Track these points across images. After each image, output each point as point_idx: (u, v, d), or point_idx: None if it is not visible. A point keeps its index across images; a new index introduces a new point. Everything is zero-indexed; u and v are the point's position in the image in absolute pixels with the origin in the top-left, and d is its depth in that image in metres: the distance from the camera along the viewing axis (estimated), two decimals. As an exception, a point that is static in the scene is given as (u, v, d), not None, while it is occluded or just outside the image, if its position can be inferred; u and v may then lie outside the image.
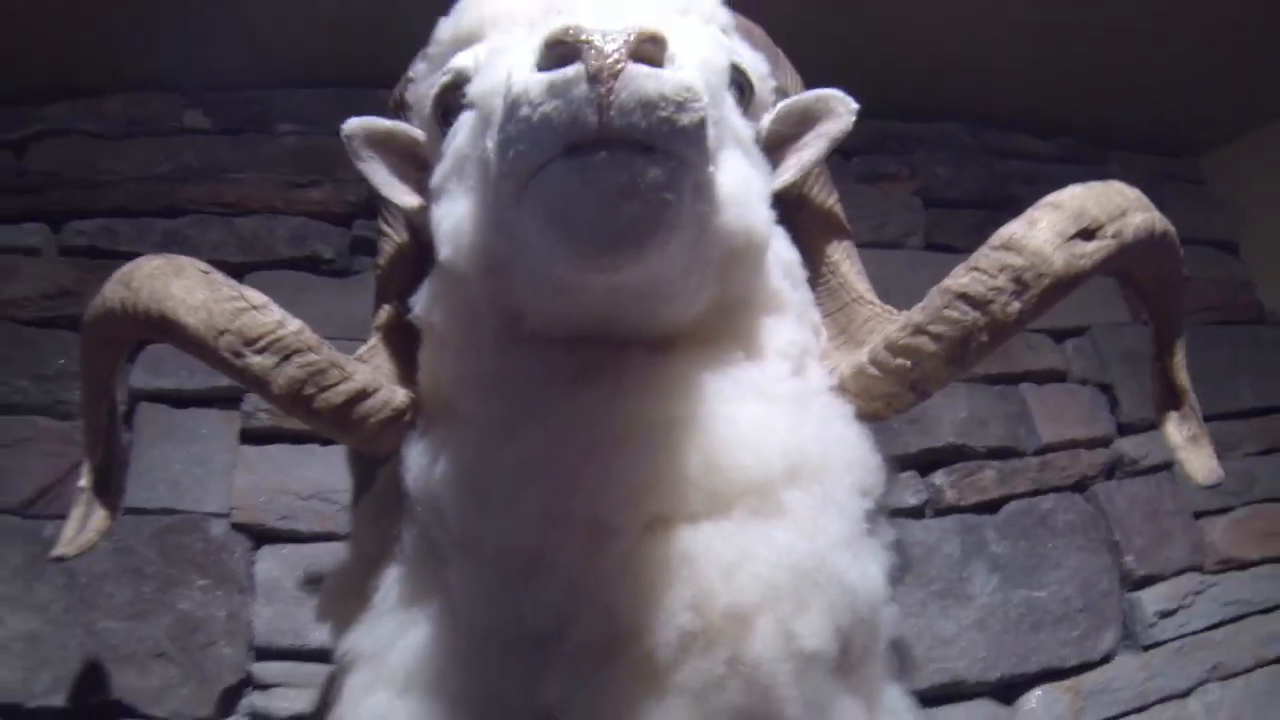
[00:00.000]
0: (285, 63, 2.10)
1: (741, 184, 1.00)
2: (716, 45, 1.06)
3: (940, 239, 2.20)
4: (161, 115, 2.17)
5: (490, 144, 0.88)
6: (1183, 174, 2.55)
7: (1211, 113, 2.42)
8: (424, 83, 1.16)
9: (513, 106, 0.82)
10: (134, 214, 2.06)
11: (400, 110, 1.24)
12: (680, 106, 0.81)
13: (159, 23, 1.97)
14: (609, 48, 0.78)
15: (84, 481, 1.30)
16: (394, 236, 1.32)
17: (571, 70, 0.78)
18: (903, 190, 2.24)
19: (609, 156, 0.80)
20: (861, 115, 2.25)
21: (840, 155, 1.24)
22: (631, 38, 0.79)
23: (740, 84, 1.10)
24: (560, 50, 0.79)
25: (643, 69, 0.79)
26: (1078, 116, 2.38)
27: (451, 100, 1.07)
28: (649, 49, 0.80)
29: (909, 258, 2.14)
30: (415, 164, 1.17)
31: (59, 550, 1.27)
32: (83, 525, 1.28)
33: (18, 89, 2.14)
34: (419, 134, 1.17)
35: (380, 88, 1.88)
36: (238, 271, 1.98)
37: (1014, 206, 2.26)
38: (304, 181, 2.08)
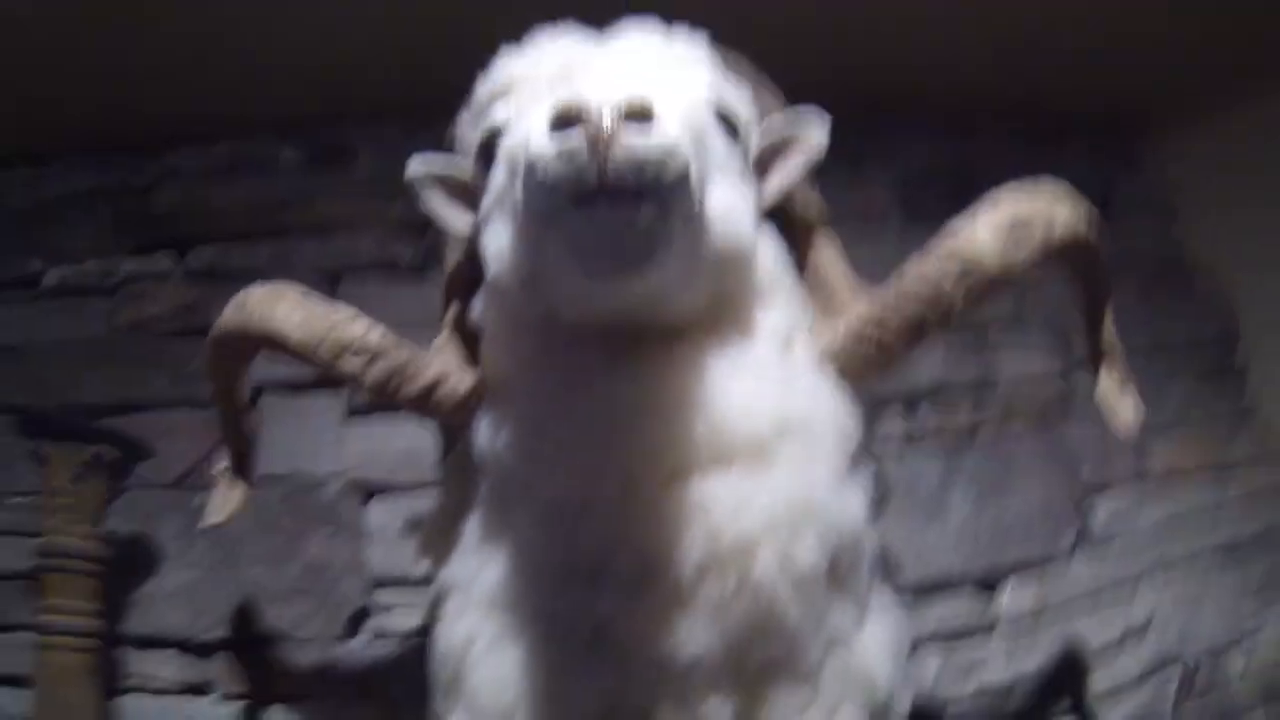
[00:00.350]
0: (359, 102, 2.10)
1: (728, 205, 1.00)
2: (701, 92, 1.06)
3: (916, 215, 2.13)
4: (260, 153, 2.17)
5: (518, 190, 0.91)
6: (1127, 153, 2.48)
7: (1152, 101, 2.36)
8: (468, 131, 1.18)
9: (531, 167, 0.85)
10: (244, 237, 2.08)
11: (452, 150, 1.25)
12: (665, 160, 0.83)
13: (252, 75, 1.99)
14: (605, 117, 0.80)
15: (223, 464, 1.36)
16: (456, 250, 1.32)
17: (575, 138, 0.81)
18: (883, 174, 2.21)
19: (609, 205, 0.83)
20: (847, 109, 2.22)
21: (828, 146, 1.24)
22: (623, 107, 0.81)
23: (727, 117, 1.09)
24: (566, 120, 0.81)
25: (633, 132, 0.81)
26: (1034, 104, 2.31)
27: (490, 147, 1.08)
28: (639, 113, 0.81)
29: (890, 232, 2.12)
30: (467, 193, 1.19)
31: (209, 520, 1.34)
32: (225, 499, 1.34)
33: (144, 140, 2.16)
34: (469, 170, 1.18)
35: (439, 115, 1.92)
36: (333, 278, 2.05)
37: (979, 185, 2.24)
38: (382, 199, 2.06)
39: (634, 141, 0.81)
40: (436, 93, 1.86)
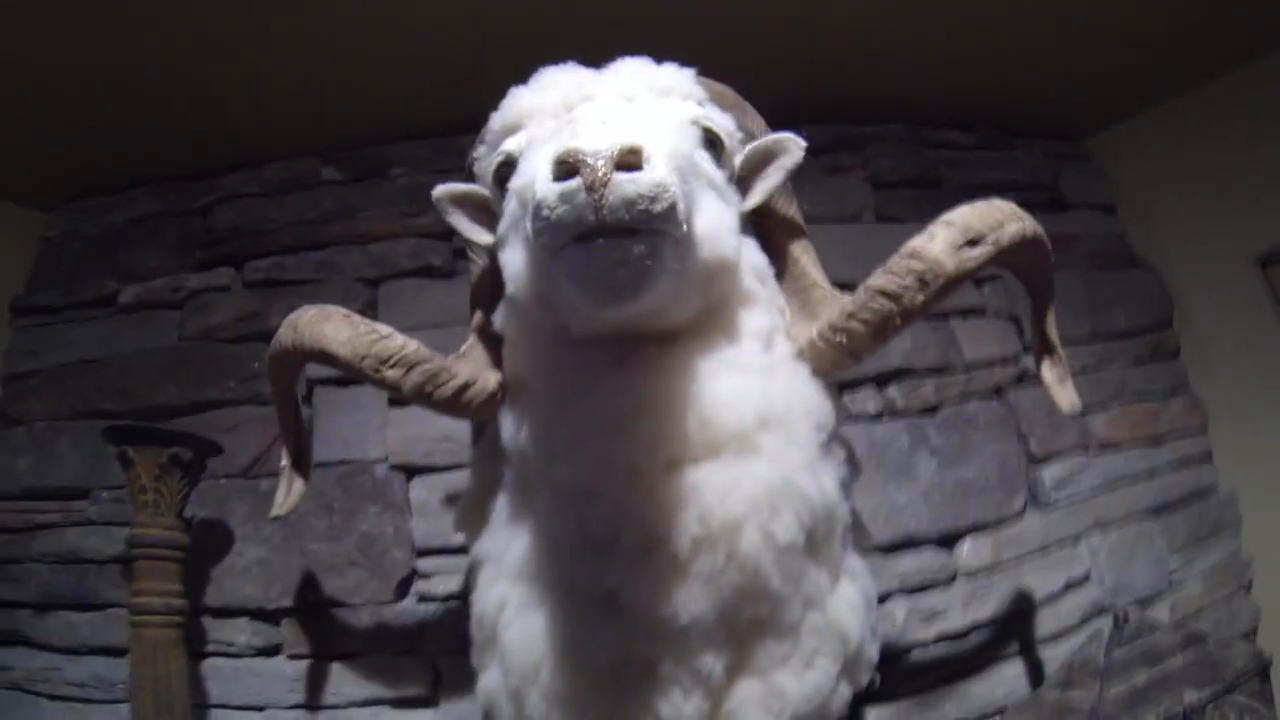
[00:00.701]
0: (392, 123, 2.11)
1: (714, 223, 1.00)
2: (687, 118, 1.06)
3: (887, 213, 2.16)
4: (305, 174, 2.17)
5: (528, 225, 0.92)
6: (1074, 153, 2.46)
7: (1096, 104, 2.35)
8: (484, 160, 1.18)
9: (538, 208, 0.86)
10: (294, 250, 2.08)
11: (471, 177, 1.25)
12: (654, 199, 0.84)
13: (294, 105, 2.01)
14: (599, 165, 0.82)
15: (284, 462, 1.38)
16: (479, 261, 1.33)
17: (574, 183, 0.83)
18: (857, 177, 2.19)
19: (605, 241, 0.85)
20: (828, 121, 2.22)
21: (808, 154, 1.22)
22: (615, 153, 0.82)
23: (713, 142, 1.09)
24: (566, 167, 0.83)
25: (624, 176, 0.83)
26: (990, 111, 2.31)
27: (505, 174, 1.09)
28: (629, 158, 0.83)
29: (863, 229, 2.12)
30: (487, 212, 1.20)
31: (275, 512, 1.36)
32: (288, 491, 1.36)
33: (200, 168, 2.18)
34: (486, 193, 1.19)
35: (461, 135, 1.88)
36: (374, 284, 2.05)
37: (942, 185, 2.24)
38: (415, 211, 2.07)
39: (625, 185, 0.83)
40: (458, 116, 1.90)
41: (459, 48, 1.85)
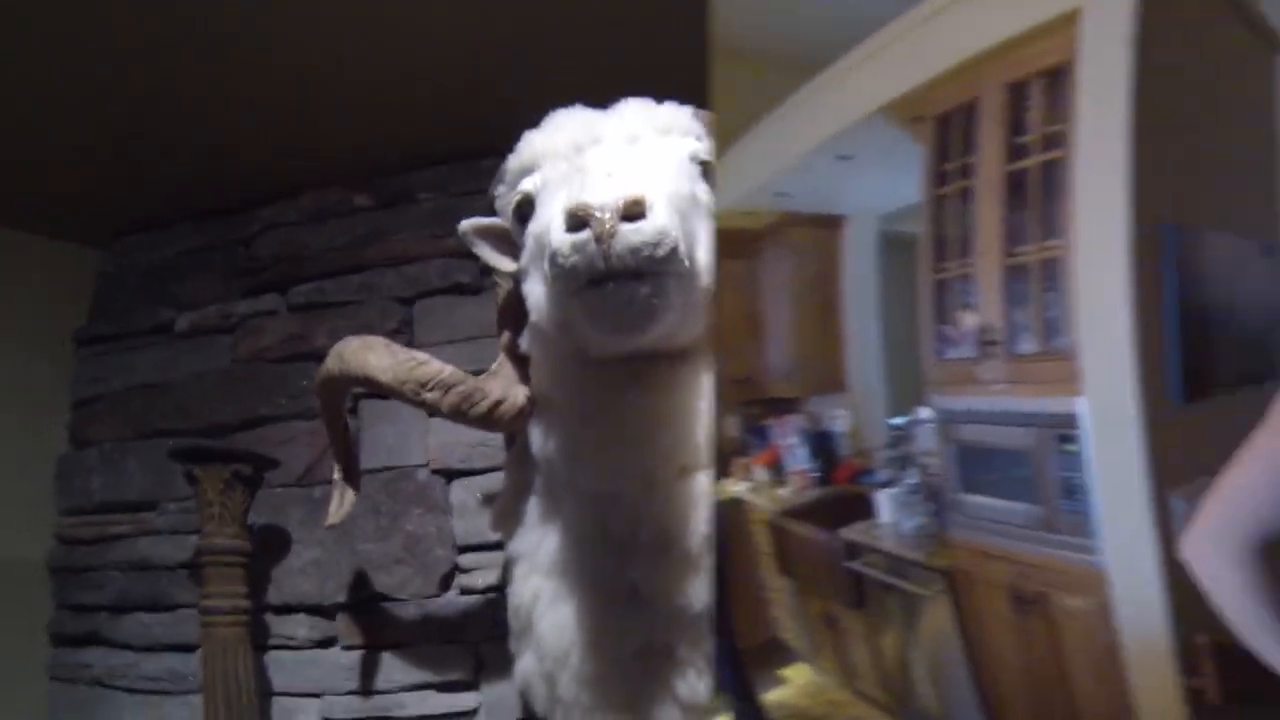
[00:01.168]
0: (417, 154, 2.14)
1: (712, 251, 1.02)
2: (686, 162, 1.08)
3: None
4: (339, 202, 2.19)
5: (546, 268, 0.96)
6: None
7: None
8: (504, 198, 1.21)
9: (553, 257, 0.91)
10: (333, 274, 2.11)
11: (493, 211, 1.28)
12: (656, 245, 0.88)
13: (326, 139, 2.05)
14: (606, 217, 0.86)
15: (335, 475, 1.44)
16: (504, 285, 1.35)
17: (584, 235, 0.87)
18: None
19: (615, 285, 0.89)
20: None
21: None
22: (620, 205, 0.86)
23: (709, 171, 1.11)
24: (576, 220, 0.88)
25: (629, 226, 0.87)
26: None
27: (524, 211, 1.12)
28: (633, 209, 0.87)
29: None
30: (509, 242, 1.23)
31: (330, 521, 1.43)
32: (340, 502, 1.43)
33: (241, 202, 2.23)
34: (508, 226, 1.22)
35: (482, 160, 1.94)
36: (408, 302, 2.06)
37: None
38: (443, 233, 2.04)
39: (630, 235, 0.87)
40: (476, 143, 1.94)
41: (476, 84, 1.90)
